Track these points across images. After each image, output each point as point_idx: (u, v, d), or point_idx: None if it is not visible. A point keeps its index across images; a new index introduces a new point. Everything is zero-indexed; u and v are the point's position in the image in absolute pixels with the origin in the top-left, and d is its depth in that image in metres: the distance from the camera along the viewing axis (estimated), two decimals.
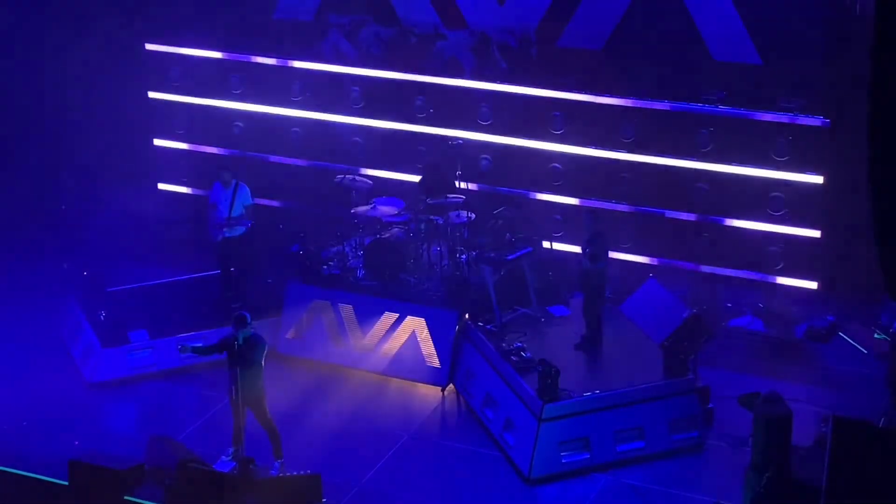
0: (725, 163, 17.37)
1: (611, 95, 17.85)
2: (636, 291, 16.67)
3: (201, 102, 20.26)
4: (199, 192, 20.05)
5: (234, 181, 17.15)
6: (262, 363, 13.98)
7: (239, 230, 17.13)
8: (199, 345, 15.00)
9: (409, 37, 19.21)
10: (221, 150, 20.27)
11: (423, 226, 17.00)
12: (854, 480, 10.70)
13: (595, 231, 15.81)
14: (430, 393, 16.32)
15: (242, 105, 20.06)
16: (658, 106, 17.64)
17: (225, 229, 17.04)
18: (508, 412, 15.04)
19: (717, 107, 17.31)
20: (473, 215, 17.29)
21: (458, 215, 17.09)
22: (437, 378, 16.34)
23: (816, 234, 17.14)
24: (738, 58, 17.32)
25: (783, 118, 16.94)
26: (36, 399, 15.98)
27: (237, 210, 17.09)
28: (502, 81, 18.52)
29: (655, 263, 18.02)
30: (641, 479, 14.42)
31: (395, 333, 16.61)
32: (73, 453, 14.14)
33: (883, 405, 14.86)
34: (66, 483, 13.80)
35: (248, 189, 17.25)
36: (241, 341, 13.79)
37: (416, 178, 18.50)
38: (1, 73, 20.13)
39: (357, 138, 19.53)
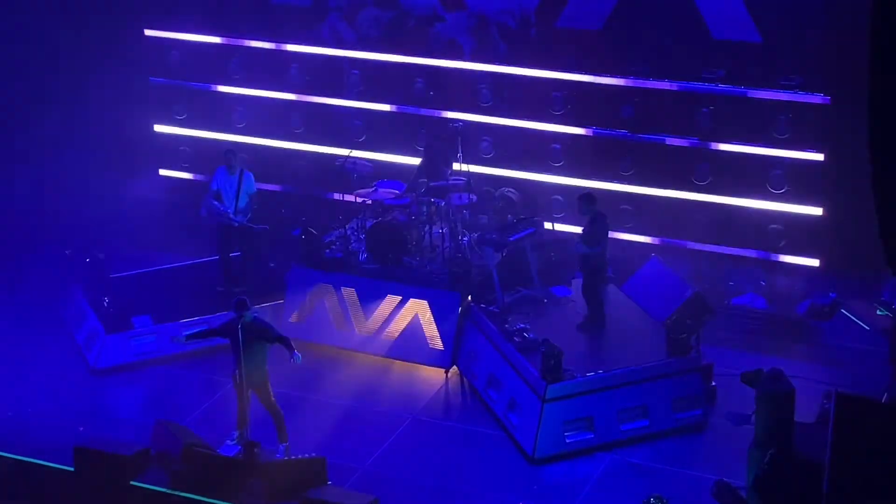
0: (726, 141, 17.37)
1: (610, 75, 17.83)
2: (638, 271, 16.70)
3: (201, 87, 20.25)
4: (200, 177, 20.04)
5: (239, 168, 17.13)
6: (268, 346, 14.00)
7: (242, 218, 17.13)
8: (198, 330, 15.04)
9: (407, 19, 19.18)
10: (221, 134, 20.27)
11: (424, 208, 17.00)
12: (857, 457, 10.69)
13: (593, 214, 15.79)
14: (433, 375, 16.34)
15: (242, 90, 20.05)
16: (658, 85, 17.62)
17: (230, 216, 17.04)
18: (512, 393, 15.06)
19: (717, 85, 17.30)
20: (475, 197, 17.31)
21: (459, 197, 17.10)
22: (441, 360, 16.36)
23: (818, 211, 17.15)
24: (737, 36, 17.28)
25: (783, 96, 16.92)
26: (40, 385, 16.01)
27: (242, 200, 17.05)
28: (502, 63, 18.50)
29: (657, 243, 18.02)
30: (645, 458, 14.47)
31: (398, 316, 16.62)
32: (78, 439, 14.17)
33: (885, 381, 14.87)
34: (71, 469, 13.83)
35: (252, 177, 17.21)
36: (243, 325, 13.82)
37: (416, 161, 18.50)
38: (1, 59, 20.10)
39: (357, 121, 19.53)
